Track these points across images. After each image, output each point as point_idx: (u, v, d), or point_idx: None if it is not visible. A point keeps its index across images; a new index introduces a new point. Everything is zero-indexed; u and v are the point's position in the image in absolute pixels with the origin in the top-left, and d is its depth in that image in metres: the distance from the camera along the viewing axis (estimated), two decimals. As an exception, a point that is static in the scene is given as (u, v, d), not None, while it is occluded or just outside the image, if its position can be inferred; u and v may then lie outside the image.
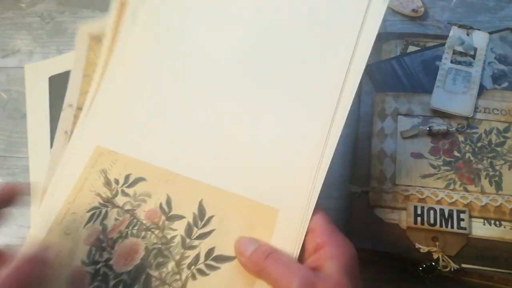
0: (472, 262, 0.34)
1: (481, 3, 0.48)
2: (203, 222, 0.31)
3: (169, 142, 0.34)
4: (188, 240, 0.31)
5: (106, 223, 0.33)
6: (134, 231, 0.32)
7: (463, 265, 0.34)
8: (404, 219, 0.36)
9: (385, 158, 0.39)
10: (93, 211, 0.33)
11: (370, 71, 0.44)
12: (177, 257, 0.31)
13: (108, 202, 0.34)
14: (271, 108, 0.33)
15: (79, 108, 0.42)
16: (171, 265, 0.30)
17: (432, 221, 0.35)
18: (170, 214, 0.32)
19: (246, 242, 0.28)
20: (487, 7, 0.48)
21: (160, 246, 0.31)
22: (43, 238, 0.34)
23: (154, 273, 0.30)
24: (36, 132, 0.45)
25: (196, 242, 0.31)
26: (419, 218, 0.36)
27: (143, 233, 0.32)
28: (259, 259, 0.26)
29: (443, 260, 0.34)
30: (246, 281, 0.28)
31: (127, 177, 0.34)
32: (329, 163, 0.29)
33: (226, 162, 0.33)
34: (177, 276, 0.30)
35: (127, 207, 0.33)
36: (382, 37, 0.46)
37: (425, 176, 0.38)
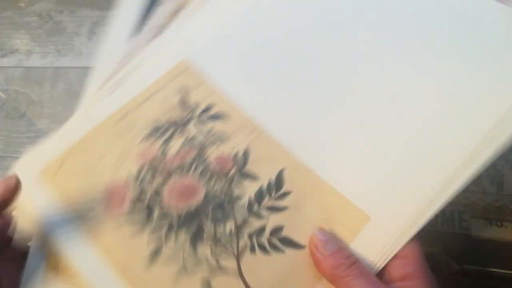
0: (474, 263, 0.34)
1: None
2: (278, 194, 0.27)
3: (272, 91, 0.30)
4: (256, 206, 0.26)
5: (168, 146, 0.29)
6: (198, 171, 0.28)
7: (465, 266, 0.34)
8: (406, 219, 0.36)
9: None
10: (157, 126, 0.30)
11: None
12: (240, 219, 0.26)
13: (177, 124, 0.30)
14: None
15: (178, 11, 0.36)
16: (230, 225, 0.26)
17: (433, 221, 0.35)
18: (244, 169, 0.28)
19: (327, 238, 0.24)
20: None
21: (223, 199, 0.27)
22: (86, 133, 0.31)
23: (208, 227, 0.26)
24: (122, 14, 0.37)
25: (264, 213, 0.26)
26: (421, 219, 0.35)
27: (207, 177, 0.28)
28: (340, 264, 0.23)
29: (445, 261, 0.33)
30: (309, 277, 0.24)
31: (208, 108, 0.30)
32: (460, 186, 0.25)
33: (327, 142, 0.28)
34: (234, 242, 0.26)
35: (198, 139, 0.29)
36: None
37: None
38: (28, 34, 0.50)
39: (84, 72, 0.48)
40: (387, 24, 0.31)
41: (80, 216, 0.28)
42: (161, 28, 0.36)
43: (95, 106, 0.32)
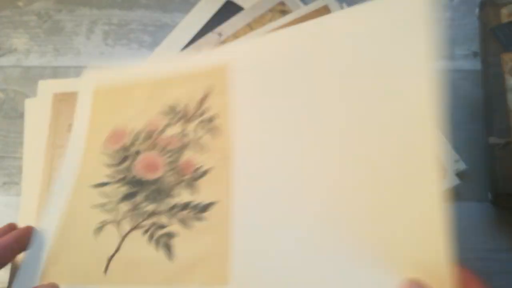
0: None
1: (484, 1, 0.48)
2: (197, 215, 0.34)
3: (266, 147, 0.32)
4: (175, 210, 0.35)
5: (167, 128, 0.38)
6: (168, 159, 0.37)
7: None
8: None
9: (522, 110, 0.42)
10: (172, 108, 0.38)
11: (494, 33, 0.45)
12: (158, 210, 0.35)
13: (184, 117, 0.37)
14: None
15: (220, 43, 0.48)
16: (151, 207, 0.36)
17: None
18: (194, 182, 0.35)
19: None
20: (490, 5, 0.47)
21: (164, 188, 0.36)
22: (135, 83, 0.40)
23: (140, 196, 0.36)
24: (184, 28, 0.49)
25: (174, 220, 0.34)
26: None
27: (169, 168, 0.36)
28: None
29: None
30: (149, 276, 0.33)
31: (211, 118, 0.36)
32: None
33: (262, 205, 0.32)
34: (142, 217, 0.35)
35: (188, 138, 0.37)
36: (498, 2, 0.46)
37: None
38: (26, 33, 0.50)
39: (83, 71, 0.48)
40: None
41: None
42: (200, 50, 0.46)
43: (155, 66, 0.41)
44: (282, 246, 0.30)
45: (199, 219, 0.33)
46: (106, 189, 0.36)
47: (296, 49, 0.33)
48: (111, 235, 0.34)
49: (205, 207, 0.33)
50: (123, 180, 0.36)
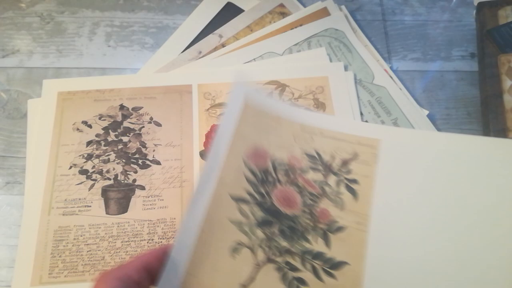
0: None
1: (482, 3, 0.48)
2: (325, 265, 0.34)
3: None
4: (307, 255, 0.34)
5: (310, 172, 0.38)
6: (305, 200, 0.36)
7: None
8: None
9: (521, 111, 0.41)
10: (317, 155, 0.39)
11: (491, 35, 0.46)
12: (292, 248, 0.35)
13: (327, 169, 0.38)
14: None
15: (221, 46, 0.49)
16: (284, 243, 0.35)
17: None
18: (329, 233, 0.35)
19: None
20: (488, 7, 0.48)
21: (301, 227, 0.36)
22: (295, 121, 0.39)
23: (273, 226, 0.35)
24: (183, 31, 0.50)
25: (308, 265, 0.34)
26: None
27: (305, 204, 0.36)
28: None
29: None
30: None
31: (348, 171, 0.38)
32: None
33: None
34: (274, 251, 0.34)
35: (327, 191, 0.37)
36: (496, 4, 0.48)
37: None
38: (29, 34, 0.51)
39: (85, 72, 0.48)
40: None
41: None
42: (199, 53, 0.49)
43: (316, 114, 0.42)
44: None
45: (330, 275, 0.34)
46: (245, 207, 0.36)
47: (439, 154, 0.37)
48: (247, 261, 0.34)
49: (337, 265, 0.34)
50: (262, 204, 0.36)
